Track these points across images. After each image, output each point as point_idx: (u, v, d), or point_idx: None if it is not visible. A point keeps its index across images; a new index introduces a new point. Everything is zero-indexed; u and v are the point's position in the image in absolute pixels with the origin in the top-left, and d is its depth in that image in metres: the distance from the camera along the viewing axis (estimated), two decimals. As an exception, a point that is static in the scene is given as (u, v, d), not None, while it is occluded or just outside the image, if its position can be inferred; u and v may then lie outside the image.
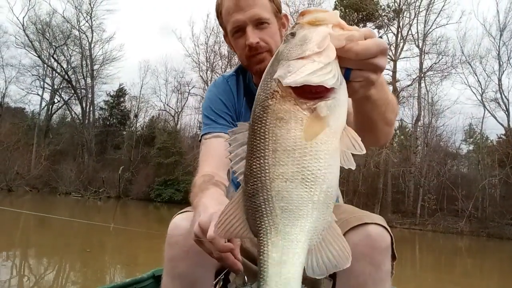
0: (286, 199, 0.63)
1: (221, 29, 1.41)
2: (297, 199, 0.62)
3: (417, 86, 26.37)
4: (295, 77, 0.61)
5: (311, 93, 0.61)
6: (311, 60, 0.62)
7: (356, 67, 0.67)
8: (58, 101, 33.44)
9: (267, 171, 0.63)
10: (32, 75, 31.98)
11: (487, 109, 25.30)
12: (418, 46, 26.27)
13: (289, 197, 0.63)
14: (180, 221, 1.05)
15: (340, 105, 0.64)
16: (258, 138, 0.64)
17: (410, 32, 26.55)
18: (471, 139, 28.64)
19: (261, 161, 0.64)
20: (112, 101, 33.39)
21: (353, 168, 0.64)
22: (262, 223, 0.65)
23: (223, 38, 1.46)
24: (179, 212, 1.11)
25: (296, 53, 0.64)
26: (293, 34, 0.66)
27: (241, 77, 1.46)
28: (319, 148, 0.62)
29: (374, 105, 0.88)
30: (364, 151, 0.64)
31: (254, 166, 0.64)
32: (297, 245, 0.63)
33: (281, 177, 0.63)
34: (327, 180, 0.63)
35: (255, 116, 0.65)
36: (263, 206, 0.64)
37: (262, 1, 1.26)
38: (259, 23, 1.26)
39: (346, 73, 0.66)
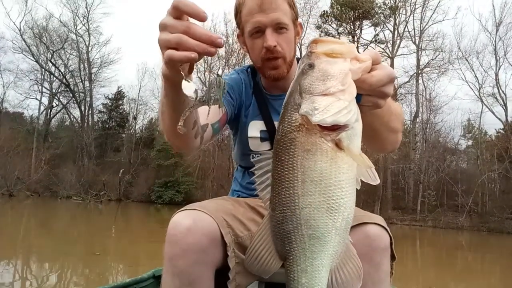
0: (313, 227, 0.67)
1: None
2: (323, 226, 0.67)
3: (414, 82, 26.45)
4: (323, 115, 0.64)
5: (333, 126, 0.65)
6: (336, 98, 0.65)
7: (366, 93, 0.73)
8: (57, 105, 33.43)
9: (296, 200, 0.67)
10: (30, 79, 31.96)
11: (485, 104, 25.36)
12: (414, 43, 26.34)
13: (316, 225, 0.67)
14: (180, 219, 1.05)
15: (357, 134, 0.68)
16: (286, 169, 0.67)
17: (406, 29, 26.63)
18: (470, 134, 28.68)
19: (290, 191, 0.67)
20: (110, 104, 33.34)
21: (378, 183, 0.67)
22: (292, 250, 0.69)
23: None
24: (179, 210, 1.11)
25: (320, 88, 0.66)
26: (311, 66, 0.68)
27: (251, 75, 1.48)
28: (342, 178, 0.66)
29: (375, 116, 0.90)
30: (378, 181, 0.67)
31: (283, 195, 0.68)
32: (322, 269, 0.68)
33: (309, 206, 0.66)
34: (348, 208, 0.67)
35: (281, 147, 0.68)
36: (293, 234, 0.68)
37: (284, 6, 1.28)
38: (279, 28, 1.27)
39: (357, 97, 0.69)
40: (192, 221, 1.04)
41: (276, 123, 1.37)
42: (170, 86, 0.82)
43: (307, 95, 0.67)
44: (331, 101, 0.65)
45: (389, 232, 1.09)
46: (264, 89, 1.45)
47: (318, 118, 0.65)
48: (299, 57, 1.48)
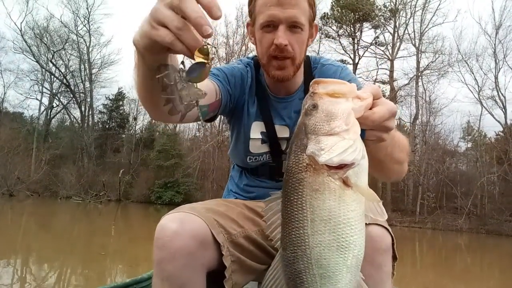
0: (324, 266, 0.68)
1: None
2: (333, 265, 0.68)
3: (414, 85, 26.44)
4: (329, 155, 0.66)
5: (340, 165, 0.67)
6: (341, 138, 0.67)
7: (370, 129, 0.76)
8: (57, 106, 33.36)
9: (306, 240, 0.69)
10: (31, 80, 31.88)
11: (484, 107, 25.37)
12: (414, 45, 26.33)
13: (327, 264, 0.68)
14: (167, 223, 1.04)
15: (364, 170, 0.70)
16: (295, 209, 0.69)
17: (406, 32, 26.61)
18: (469, 137, 28.70)
19: (300, 231, 0.69)
20: (111, 104, 33.34)
21: (386, 218, 0.69)
22: None
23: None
24: (167, 213, 1.09)
25: (325, 129, 0.68)
26: (315, 106, 0.70)
27: (255, 69, 1.40)
28: (350, 216, 0.67)
29: (379, 147, 0.90)
30: (386, 217, 0.69)
31: (293, 235, 0.70)
32: None
33: (319, 245, 0.68)
34: (358, 245, 0.69)
35: (290, 187, 0.70)
36: (304, 273, 0.70)
37: (303, 4, 1.20)
38: (293, 26, 1.19)
39: (361, 132, 0.72)
40: (179, 224, 1.03)
41: (277, 127, 1.36)
42: (143, 63, 0.75)
43: (313, 136, 0.69)
44: (336, 140, 0.67)
45: (391, 232, 1.08)
46: (268, 87, 1.38)
47: (325, 158, 0.67)
48: (308, 56, 1.42)
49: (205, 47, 0.62)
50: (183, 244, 1.00)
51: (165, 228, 1.03)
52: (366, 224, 0.98)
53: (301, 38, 1.22)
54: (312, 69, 1.40)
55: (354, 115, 0.69)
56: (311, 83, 0.73)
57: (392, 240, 1.08)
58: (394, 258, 1.11)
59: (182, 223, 1.03)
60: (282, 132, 1.36)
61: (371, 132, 0.77)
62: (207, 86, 1.16)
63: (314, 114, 0.70)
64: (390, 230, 1.08)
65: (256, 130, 1.37)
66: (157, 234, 1.03)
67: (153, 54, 0.69)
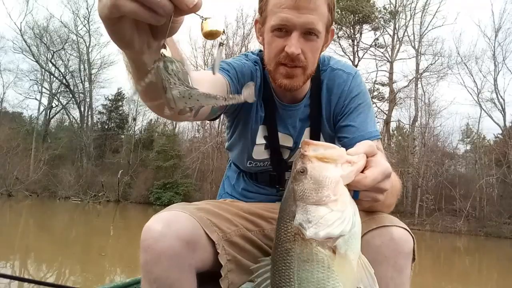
0: None
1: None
2: None
3: (413, 87, 26.49)
4: (316, 229, 0.65)
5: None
6: (329, 209, 0.66)
7: (364, 190, 0.73)
8: (56, 106, 33.40)
9: None
10: (30, 79, 31.96)
11: (483, 109, 25.47)
12: (414, 47, 26.41)
13: None
14: (152, 224, 1.00)
15: (355, 238, 0.68)
16: (283, 280, 0.68)
17: (406, 34, 26.71)
18: (468, 139, 28.75)
19: None
20: (110, 105, 33.36)
21: None
22: None
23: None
24: (156, 213, 1.05)
25: (313, 198, 0.67)
26: (303, 171, 0.69)
27: (261, 69, 1.28)
28: (338, 287, 0.66)
29: None
30: (377, 287, 0.66)
31: None
32: None
33: None
34: None
35: (278, 256, 0.69)
36: None
37: (322, 9, 1.08)
38: (308, 33, 1.08)
39: (355, 194, 0.71)
40: (165, 225, 0.99)
41: (280, 134, 1.31)
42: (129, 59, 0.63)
43: (301, 203, 0.68)
44: (324, 212, 0.66)
45: (412, 235, 1.05)
46: (273, 91, 1.29)
47: (312, 232, 0.66)
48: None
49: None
50: (168, 245, 0.97)
51: (150, 230, 1.00)
52: (387, 225, 1.00)
53: (315, 46, 1.11)
54: (321, 72, 1.30)
55: (343, 182, 0.68)
56: (301, 143, 0.71)
57: (414, 242, 1.05)
58: (413, 259, 1.08)
59: (168, 224, 0.99)
60: (285, 141, 1.32)
61: (365, 193, 0.74)
62: (218, 80, 1.08)
63: (302, 180, 0.68)
64: (411, 232, 1.05)
65: (261, 135, 1.32)
66: (142, 236, 1.01)
67: (125, 42, 0.56)
